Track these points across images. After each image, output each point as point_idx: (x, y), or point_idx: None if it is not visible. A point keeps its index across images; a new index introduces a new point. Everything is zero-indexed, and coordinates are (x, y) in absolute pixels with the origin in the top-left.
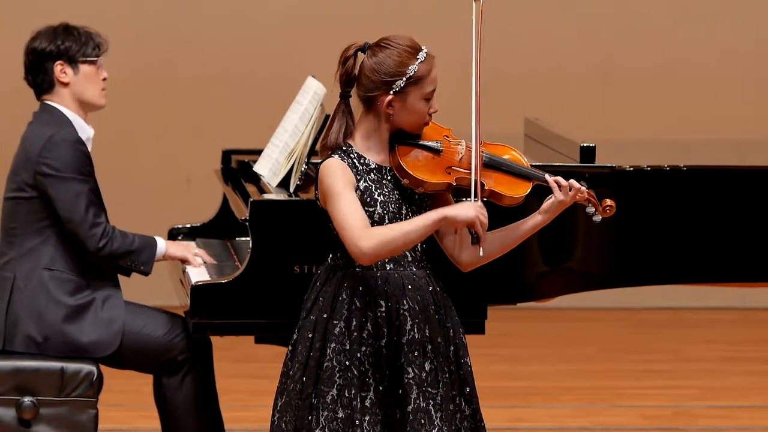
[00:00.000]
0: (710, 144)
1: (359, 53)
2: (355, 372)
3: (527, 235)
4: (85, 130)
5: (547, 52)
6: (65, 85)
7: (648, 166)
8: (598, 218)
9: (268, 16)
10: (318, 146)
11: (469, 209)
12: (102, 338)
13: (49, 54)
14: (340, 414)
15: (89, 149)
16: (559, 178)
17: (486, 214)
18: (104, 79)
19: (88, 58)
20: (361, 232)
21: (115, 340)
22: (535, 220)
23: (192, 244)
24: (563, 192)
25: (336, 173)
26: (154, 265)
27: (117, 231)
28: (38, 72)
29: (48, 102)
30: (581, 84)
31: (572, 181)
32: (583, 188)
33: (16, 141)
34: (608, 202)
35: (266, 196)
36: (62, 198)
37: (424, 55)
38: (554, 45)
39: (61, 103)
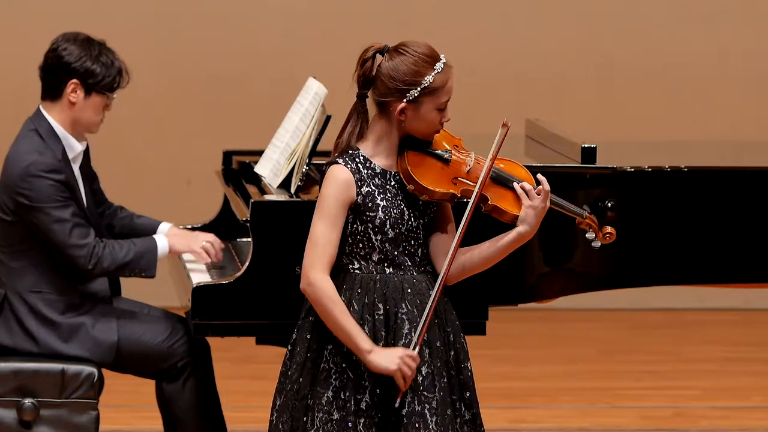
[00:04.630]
0: (710, 145)
1: (377, 55)
2: (351, 374)
3: (511, 249)
4: (74, 148)
5: (548, 52)
6: (71, 104)
7: (649, 167)
8: (597, 244)
9: (268, 16)
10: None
11: (392, 362)
12: (95, 357)
13: (72, 70)
14: (335, 416)
15: (78, 164)
16: (525, 184)
17: (414, 367)
18: (107, 110)
19: (103, 91)
20: (321, 265)
21: (109, 356)
22: (516, 232)
23: (201, 234)
24: (531, 198)
25: (334, 187)
26: (157, 266)
27: (108, 248)
28: (52, 77)
29: (44, 113)
30: (582, 85)
31: (539, 188)
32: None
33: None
34: (608, 229)
35: (267, 197)
36: (43, 226)
37: (442, 65)
38: (555, 46)
39: (57, 118)
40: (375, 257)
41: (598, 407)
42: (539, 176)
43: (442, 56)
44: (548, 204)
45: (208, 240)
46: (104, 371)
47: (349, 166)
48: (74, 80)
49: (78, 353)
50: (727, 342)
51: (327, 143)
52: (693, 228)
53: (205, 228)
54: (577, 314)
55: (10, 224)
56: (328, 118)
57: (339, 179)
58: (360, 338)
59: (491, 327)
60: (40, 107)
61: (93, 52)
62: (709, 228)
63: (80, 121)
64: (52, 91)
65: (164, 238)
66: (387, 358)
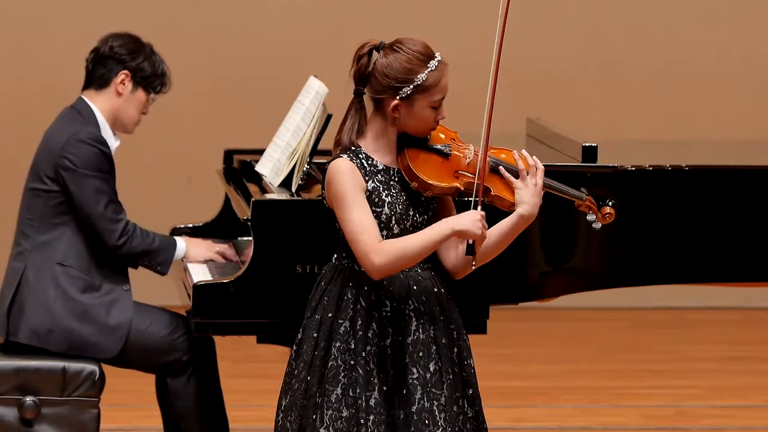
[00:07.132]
0: (711, 144)
1: (373, 52)
2: (360, 371)
3: (516, 233)
4: (110, 140)
5: (549, 51)
6: (117, 95)
7: (650, 166)
8: (598, 225)
9: (269, 15)
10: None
11: (476, 225)
12: (104, 343)
13: (124, 61)
14: (345, 413)
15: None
16: (508, 167)
17: (486, 225)
18: (144, 113)
19: (149, 88)
20: (374, 246)
21: (117, 345)
22: (516, 214)
23: (215, 245)
24: (521, 178)
25: (345, 178)
26: (171, 266)
27: (138, 229)
28: (102, 66)
29: (86, 100)
30: (583, 84)
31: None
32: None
33: (17, 140)
34: (607, 209)
35: (268, 196)
36: (83, 193)
37: (435, 63)
38: (556, 45)
39: (100, 106)
40: None
41: (599, 406)
42: (524, 152)
43: (437, 54)
44: (541, 181)
45: (220, 250)
46: (106, 369)
47: (353, 161)
48: (125, 71)
49: (87, 336)
50: (728, 341)
51: (328, 142)
52: (694, 227)
53: (206, 226)
54: (578, 313)
55: (47, 193)
56: (329, 117)
57: (345, 168)
58: (438, 233)
59: (492, 326)
60: (83, 96)
61: (146, 50)
62: (710, 227)
63: (121, 115)
64: (99, 79)
65: (183, 241)
66: (473, 224)
